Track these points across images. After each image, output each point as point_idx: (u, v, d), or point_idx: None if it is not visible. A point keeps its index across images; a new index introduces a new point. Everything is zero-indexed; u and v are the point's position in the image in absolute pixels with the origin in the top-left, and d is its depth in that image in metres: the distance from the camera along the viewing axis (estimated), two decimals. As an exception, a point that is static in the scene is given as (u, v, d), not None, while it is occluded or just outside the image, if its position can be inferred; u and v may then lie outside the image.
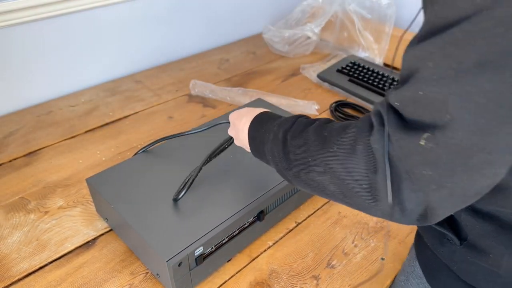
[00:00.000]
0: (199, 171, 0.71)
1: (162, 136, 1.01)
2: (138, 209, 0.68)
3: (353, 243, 0.75)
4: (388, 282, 0.70)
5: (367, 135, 0.43)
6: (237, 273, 0.70)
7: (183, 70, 1.33)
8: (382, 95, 1.13)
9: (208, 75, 1.30)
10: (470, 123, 0.35)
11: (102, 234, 0.76)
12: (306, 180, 0.51)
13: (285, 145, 0.54)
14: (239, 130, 0.65)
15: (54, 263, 0.71)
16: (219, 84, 1.25)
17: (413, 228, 0.78)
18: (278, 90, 1.23)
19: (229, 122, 0.83)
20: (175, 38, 1.38)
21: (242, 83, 1.26)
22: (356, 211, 0.81)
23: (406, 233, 0.77)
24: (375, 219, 0.80)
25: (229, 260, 0.71)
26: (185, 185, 0.70)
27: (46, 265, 0.70)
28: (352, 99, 1.19)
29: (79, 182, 0.87)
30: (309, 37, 1.38)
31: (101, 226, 0.77)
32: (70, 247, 0.73)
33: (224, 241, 0.67)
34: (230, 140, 0.77)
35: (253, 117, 0.63)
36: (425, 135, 0.38)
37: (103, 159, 0.94)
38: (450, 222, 0.54)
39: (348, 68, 1.27)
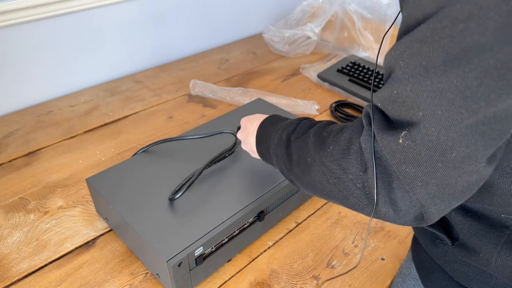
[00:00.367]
0: (198, 175, 0.72)
1: (162, 136, 1.01)
2: (138, 209, 0.68)
3: (353, 243, 0.75)
4: (388, 282, 0.69)
5: (359, 135, 0.44)
6: (237, 273, 0.69)
7: (183, 70, 1.33)
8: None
9: (208, 75, 1.30)
10: (443, 118, 0.36)
11: (102, 234, 0.76)
12: (307, 181, 0.51)
13: (288, 147, 0.55)
14: (249, 133, 0.67)
15: (54, 263, 0.71)
16: (219, 84, 1.25)
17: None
18: (278, 90, 1.23)
19: (231, 133, 0.83)
20: (175, 38, 1.38)
21: (242, 83, 1.26)
22: (356, 212, 0.81)
23: (406, 233, 0.77)
24: (375, 219, 0.80)
25: (229, 260, 0.71)
26: (181, 186, 0.70)
27: (46, 265, 0.70)
28: (352, 99, 1.19)
29: (79, 182, 0.87)
30: (309, 37, 1.38)
31: (101, 226, 0.77)
32: (70, 247, 0.73)
33: (224, 241, 0.67)
34: (231, 150, 0.77)
35: (261, 121, 0.65)
36: (403, 133, 0.39)
37: (103, 159, 0.94)
38: (442, 223, 0.54)
39: (348, 68, 1.27)
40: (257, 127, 0.65)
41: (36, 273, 0.69)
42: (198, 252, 0.62)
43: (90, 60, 1.21)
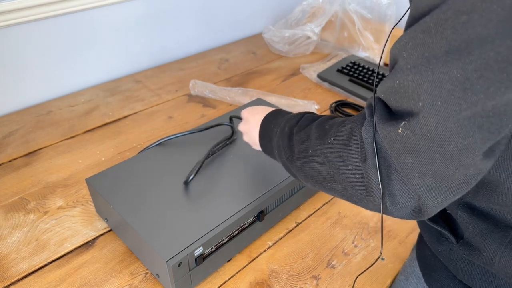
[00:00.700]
0: (207, 158, 0.76)
1: (162, 136, 1.01)
2: (138, 209, 0.67)
3: (353, 243, 0.75)
4: (388, 282, 0.69)
5: (361, 127, 0.44)
6: (237, 273, 0.69)
7: (183, 70, 1.33)
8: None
9: (208, 75, 1.30)
10: (442, 109, 0.36)
11: (102, 234, 0.76)
12: (307, 172, 0.52)
13: (290, 139, 0.55)
14: (252, 126, 0.67)
15: (53, 263, 0.71)
16: (219, 84, 1.25)
17: (414, 228, 0.78)
18: (278, 90, 1.23)
19: (228, 124, 0.84)
20: (175, 38, 1.38)
21: (242, 83, 1.26)
22: (356, 211, 0.81)
23: (406, 233, 0.77)
24: (375, 219, 0.80)
25: (229, 260, 0.71)
26: (192, 170, 0.74)
27: (45, 265, 0.70)
28: (352, 99, 1.19)
29: (78, 182, 0.87)
30: (309, 37, 1.38)
31: (101, 226, 0.77)
32: (69, 247, 0.73)
33: (224, 241, 0.67)
34: (231, 138, 0.78)
35: (266, 114, 0.65)
36: (402, 123, 0.39)
37: (103, 159, 0.94)
38: (448, 220, 0.54)
39: (348, 68, 1.27)
40: (260, 120, 0.65)
41: (36, 273, 0.69)
42: (198, 252, 0.62)
43: (90, 60, 1.21)
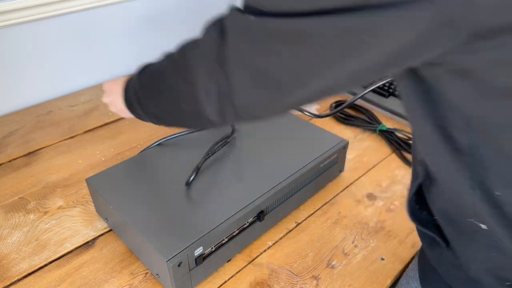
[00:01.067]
0: (206, 158, 0.76)
1: (162, 136, 1.01)
2: (138, 209, 0.67)
3: (353, 243, 0.75)
4: (388, 282, 0.69)
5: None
6: (237, 273, 0.69)
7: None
8: (383, 95, 1.13)
9: (208, 75, 1.30)
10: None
11: (102, 234, 0.76)
12: (154, 107, 0.55)
13: (141, 83, 0.58)
14: (115, 95, 0.66)
15: (53, 263, 0.71)
16: (219, 84, 1.25)
17: (413, 229, 0.78)
18: (278, 90, 1.22)
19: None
20: (175, 38, 1.38)
21: (242, 83, 1.26)
22: (356, 212, 0.81)
23: (406, 233, 0.77)
24: (375, 219, 0.80)
25: (229, 260, 0.71)
26: (193, 171, 0.74)
27: (45, 265, 0.70)
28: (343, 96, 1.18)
29: (78, 182, 0.87)
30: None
31: (101, 226, 0.77)
32: (69, 247, 0.73)
33: (224, 241, 0.67)
34: (231, 136, 0.78)
35: (126, 80, 0.64)
36: (252, 16, 0.40)
37: (103, 159, 0.94)
38: (436, 225, 0.54)
39: (348, 68, 1.27)
40: (122, 86, 0.64)
41: (36, 273, 0.69)
42: (198, 252, 0.62)
43: (90, 60, 1.21)
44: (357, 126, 1.06)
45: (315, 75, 0.38)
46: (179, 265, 0.60)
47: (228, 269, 0.70)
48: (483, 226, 0.44)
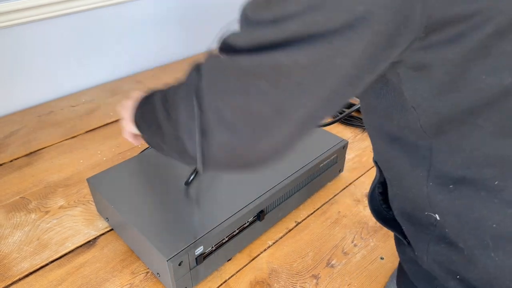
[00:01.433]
0: None
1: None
2: (139, 209, 0.68)
3: (352, 242, 0.76)
4: (387, 281, 0.70)
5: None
6: (237, 272, 0.70)
7: (184, 71, 1.33)
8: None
9: (209, 75, 1.30)
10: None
11: (103, 234, 0.76)
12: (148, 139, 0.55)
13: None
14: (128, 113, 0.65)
15: (54, 262, 0.71)
16: (220, 84, 1.25)
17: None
18: (278, 90, 1.23)
19: None
20: (175, 39, 1.38)
21: (242, 83, 1.26)
22: (355, 211, 0.82)
23: (405, 232, 0.78)
24: (374, 218, 0.80)
25: (229, 260, 0.71)
26: (194, 168, 0.73)
27: (46, 264, 0.71)
28: (352, 99, 1.19)
29: (80, 182, 0.88)
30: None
31: (102, 225, 0.78)
32: (70, 246, 0.74)
33: (224, 241, 0.67)
34: None
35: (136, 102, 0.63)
36: (223, 56, 0.40)
37: (104, 159, 0.94)
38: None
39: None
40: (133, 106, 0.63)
41: (37, 273, 0.69)
42: (198, 251, 0.63)
43: (91, 60, 1.22)
44: (356, 126, 1.06)
45: (296, 105, 0.38)
46: (179, 264, 0.60)
47: (229, 268, 0.70)
48: (437, 217, 0.46)
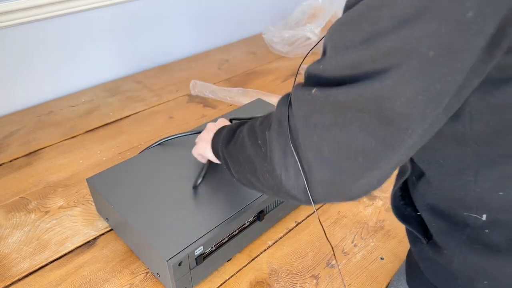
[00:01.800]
0: (210, 164, 0.76)
1: (162, 136, 1.01)
2: (138, 209, 0.68)
3: (352, 242, 0.76)
4: (387, 281, 0.70)
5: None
6: (237, 272, 0.70)
7: (183, 71, 1.33)
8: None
9: (208, 75, 1.30)
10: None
11: (103, 234, 0.76)
12: (239, 177, 0.55)
13: (228, 152, 0.57)
14: (206, 145, 0.68)
15: (54, 262, 0.71)
16: (219, 84, 1.25)
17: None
18: (278, 90, 1.23)
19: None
20: (175, 38, 1.38)
21: (242, 83, 1.26)
22: (355, 211, 0.82)
23: (405, 232, 0.78)
24: (374, 219, 0.80)
25: (229, 260, 0.71)
26: (199, 175, 0.74)
27: (46, 264, 0.71)
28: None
29: (79, 182, 0.88)
30: (309, 38, 1.38)
31: (102, 226, 0.78)
32: (70, 246, 0.74)
33: (224, 241, 0.67)
34: None
35: (216, 130, 0.65)
36: (315, 88, 0.39)
37: (104, 159, 0.94)
38: (420, 222, 0.55)
39: (348, 68, 1.27)
40: (211, 141, 0.65)
41: (37, 273, 0.69)
42: (198, 251, 0.63)
43: (91, 60, 1.22)
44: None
45: (406, 135, 0.35)
46: (179, 265, 0.60)
47: (229, 269, 0.70)
48: (484, 218, 0.44)
